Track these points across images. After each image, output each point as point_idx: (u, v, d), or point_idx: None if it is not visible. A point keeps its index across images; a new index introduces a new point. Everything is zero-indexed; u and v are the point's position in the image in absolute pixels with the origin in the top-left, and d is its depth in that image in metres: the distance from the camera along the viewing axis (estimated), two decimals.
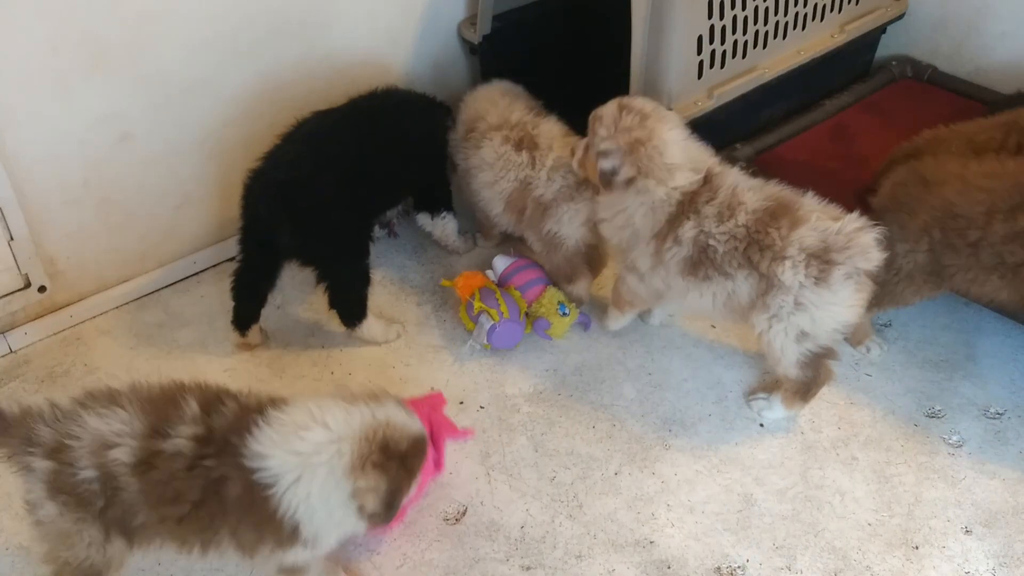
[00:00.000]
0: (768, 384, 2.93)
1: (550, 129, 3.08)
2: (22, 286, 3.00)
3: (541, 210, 3.01)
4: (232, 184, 3.33)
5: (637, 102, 2.71)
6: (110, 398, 2.05)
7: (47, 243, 3.06)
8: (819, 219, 2.49)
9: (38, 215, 2.98)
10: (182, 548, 2.09)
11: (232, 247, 3.41)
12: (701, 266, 2.62)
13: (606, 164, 2.68)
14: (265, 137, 2.97)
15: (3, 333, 3.11)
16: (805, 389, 2.74)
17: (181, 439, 2.00)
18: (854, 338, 3.06)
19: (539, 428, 2.85)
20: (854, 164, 3.43)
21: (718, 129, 3.32)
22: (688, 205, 2.61)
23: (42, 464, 1.99)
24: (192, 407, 2.04)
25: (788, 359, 2.64)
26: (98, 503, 2.02)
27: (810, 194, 2.59)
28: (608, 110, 2.72)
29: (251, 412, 2.04)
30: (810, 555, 2.49)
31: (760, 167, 3.26)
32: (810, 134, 3.61)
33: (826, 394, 2.92)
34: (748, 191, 2.60)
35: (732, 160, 3.27)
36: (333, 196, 2.86)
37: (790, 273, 2.48)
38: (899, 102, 3.77)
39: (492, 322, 3.01)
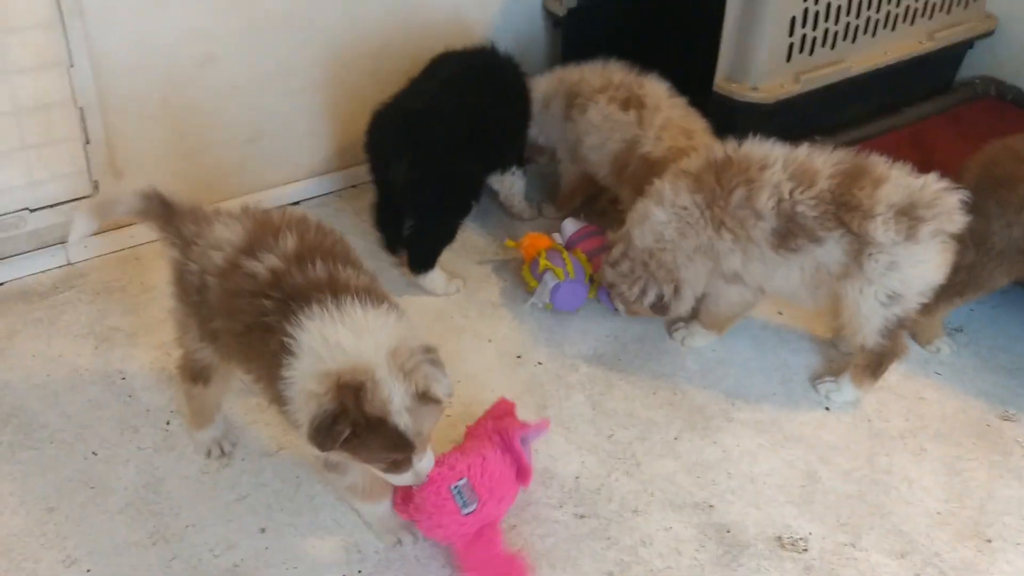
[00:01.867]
0: (835, 369, 2.84)
1: (655, 88, 3.08)
2: (91, 193, 2.98)
3: (647, 167, 2.97)
4: (305, 126, 3.33)
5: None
6: (238, 214, 2.18)
7: (118, 157, 3.05)
8: (900, 177, 2.50)
9: (114, 125, 2.97)
10: (242, 369, 2.21)
11: (298, 191, 3.41)
12: (791, 236, 2.57)
13: (649, 298, 2.78)
14: (344, 82, 2.97)
15: (63, 243, 3.07)
16: (878, 363, 2.67)
17: (261, 266, 2.02)
18: (923, 337, 2.98)
19: (597, 388, 2.78)
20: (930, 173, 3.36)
21: (799, 117, 3.28)
22: (719, 184, 2.60)
23: (174, 254, 2.20)
24: (287, 246, 2.06)
25: (872, 325, 2.58)
26: (195, 297, 2.15)
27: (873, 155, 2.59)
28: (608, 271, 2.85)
29: (331, 288, 1.98)
30: (876, 535, 2.38)
31: None
32: (889, 138, 3.55)
33: (895, 387, 2.83)
34: (816, 156, 2.59)
35: None
36: (461, 142, 2.88)
37: (882, 230, 2.45)
38: (981, 118, 3.72)
39: (556, 280, 2.95)
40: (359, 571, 2.20)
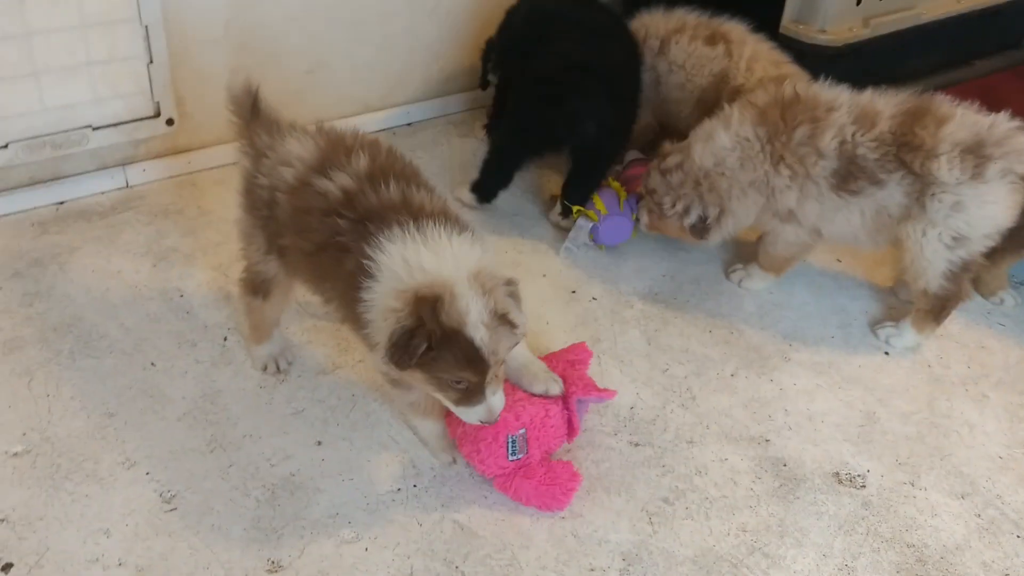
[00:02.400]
0: (895, 315, 2.79)
1: (734, 25, 3.07)
2: (152, 114, 2.99)
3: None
4: (363, 60, 3.32)
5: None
6: (313, 131, 2.16)
7: (180, 80, 3.05)
8: (966, 115, 2.46)
9: (177, 47, 2.97)
10: (310, 288, 2.20)
11: (352, 127, 3.40)
12: (851, 178, 2.53)
13: (691, 218, 2.73)
14: (399, 16, 2.92)
15: (123, 166, 3.10)
16: (940, 307, 2.62)
17: (332, 185, 2.00)
18: (987, 287, 2.92)
19: (652, 324, 2.75)
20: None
21: (866, 63, 3.22)
22: (783, 120, 2.57)
23: (246, 163, 2.19)
24: (359, 165, 2.03)
25: (936, 268, 2.53)
26: (263, 212, 2.14)
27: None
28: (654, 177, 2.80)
29: (408, 211, 1.97)
30: (935, 475, 2.34)
31: None
32: (958, 89, 3.42)
33: (956, 335, 2.78)
34: (879, 99, 2.56)
35: None
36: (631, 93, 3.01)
37: (946, 169, 2.41)
38: None
39: (591, 223, 2.93)
40: (414, 485, 2.21)
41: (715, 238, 2.78)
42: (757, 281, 2.89)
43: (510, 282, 1.95)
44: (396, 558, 2.04)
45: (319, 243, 2.02)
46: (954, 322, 2.79)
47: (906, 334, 2.70)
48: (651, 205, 2.82)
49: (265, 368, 2.46)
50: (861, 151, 2.50)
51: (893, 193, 2.51)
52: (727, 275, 2.94)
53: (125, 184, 3.12)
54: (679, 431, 2.41)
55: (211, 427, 2.31)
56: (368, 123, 3.50)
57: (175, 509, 2.11)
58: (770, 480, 2.30)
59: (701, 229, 2.73)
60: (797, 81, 2.76)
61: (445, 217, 1.99)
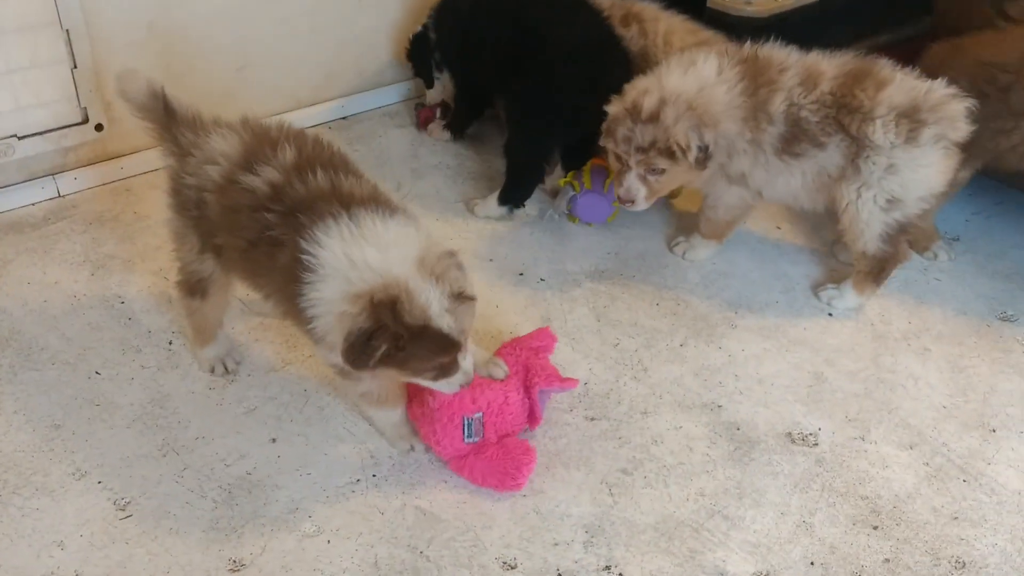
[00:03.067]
0: (836, 277, 2.85)
1: (645, 5, 3.08)
2: (80, 120, 2.92)
3: None
4: (294, 55, 3.28)
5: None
6: (237, 126, 2.13)
7: (107, 84, 2.97)
8: (905, 80, 2.49)
9: (101, 51, 2.91)
10: (248, 284, 2.20)
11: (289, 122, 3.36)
12: (795, 141, 2.55)
13: (693, 151, 2.54)
14: (330, 9, 2.87)
15: (53, 175, 3.02)
16: (880, 268, 2.68)
17: (259, 180, 1.99)
18: (919, 244, 2.99)
19: (601, 301, 2.77)
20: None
21: (793, 32, 3.24)
22: (753, 80, 2.55)
23: (171, 163, 2.17)
24: (285, 158, 2.01)
25: (873, 230, 2.58)
26: (193, 212, 2.11)
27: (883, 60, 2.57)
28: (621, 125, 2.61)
29: (338, 200, 1.95)
30: (884, 428, 2.40)
31: None
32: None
33: (895, 293, 2.84)
34: (823, 60, 2.58)
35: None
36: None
37: (881, 132, 2.45)
38: None
39: (573, 193, 2.96)
40: (373, 475, 2.20)
41: (706, 173, 2.64)
42: (701, 251, 2.92)
43: (452, 253, 1.96)
44: (359, 548, 2.03)
45: (251, 240, 2.01)
46: (894, 280, 2.85)
47: (847, 295, 2.75)
48: (645, 169, 2.61)
49: (213, 370, 2.43)
50: (804, 114, 2.53)
51: (832, 155, 2.55)
52: (670, 248, 2.97)
53: (57, 193, 3.05)
54: (633, 403, 2.43)
55: (162, 432, 2.28)
56: (303, 118, 3.45)
57: (130, 516, 2.07)
58: (725, 444, 2.33)
59: (704, 158, 2.56)
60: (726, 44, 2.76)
61: (376, 202, 1.99)
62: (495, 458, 2.15)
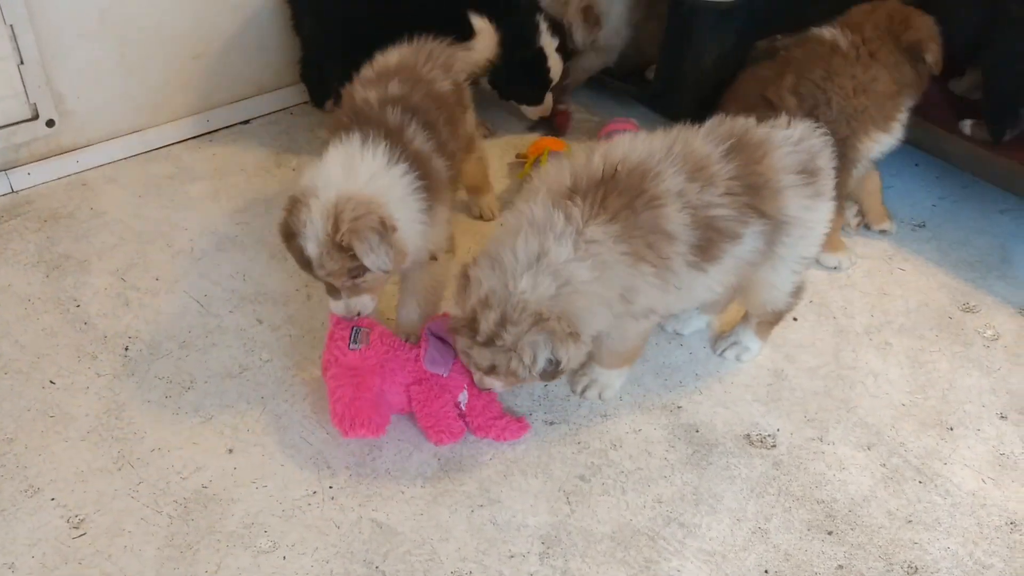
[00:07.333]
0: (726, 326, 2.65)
1: None
2: (29, 116, 2.86)
3: None
4: (253, 43, 3.21)
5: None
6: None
7: (58, 78, 2.92)
8: (780, 134, 2.21)
9: (50, 44, 2.83)
10: None
11: (248, 109, 3.32)
12: (711, 245, 2.12)
13: (540, 364, 2.07)
14: None
15: (5, 171, 2.96)
16: (785, 311, 2.52)
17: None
18: (873, 221, 3.01)
19: None
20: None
21: (759, 17, 3.20)
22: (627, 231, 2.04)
23: None
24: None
25: (784, 291, 2.41)
26: None
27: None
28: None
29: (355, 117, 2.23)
30: (842, 428, 2.41)
31: None
32: None
33: (859, 284, 2.84)
34: (696, 141, 2.16)
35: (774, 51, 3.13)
36: None
37: (794, 204, 2.19)
38: None
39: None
40: (330, 486, 2.19)
41: (574, 364, 2.16)
42: (614, 381, 2.44)
43: (381, 221, 2.06)
44: (315, 564, 2.03)
45: None
46: (857, 271, 2.86)
47: (752, 344, 2.57)
48: (501, 376, 2.15)
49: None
50: (716, 211, 2.11)
51: (748, 244, 2.19)
52: (574, 390, 2.45)
53: (10, 189, 2.99)
54: (593, 406, 2.43)
55: (117, 444, 2.26)
56: (265, 104, 3.41)
57: (84, 534, 2.06)
58: (683, 448, 2.33)
59: (553, 374, 2.11)
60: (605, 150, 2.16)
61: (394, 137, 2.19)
62: (435, 413, 2.26)
